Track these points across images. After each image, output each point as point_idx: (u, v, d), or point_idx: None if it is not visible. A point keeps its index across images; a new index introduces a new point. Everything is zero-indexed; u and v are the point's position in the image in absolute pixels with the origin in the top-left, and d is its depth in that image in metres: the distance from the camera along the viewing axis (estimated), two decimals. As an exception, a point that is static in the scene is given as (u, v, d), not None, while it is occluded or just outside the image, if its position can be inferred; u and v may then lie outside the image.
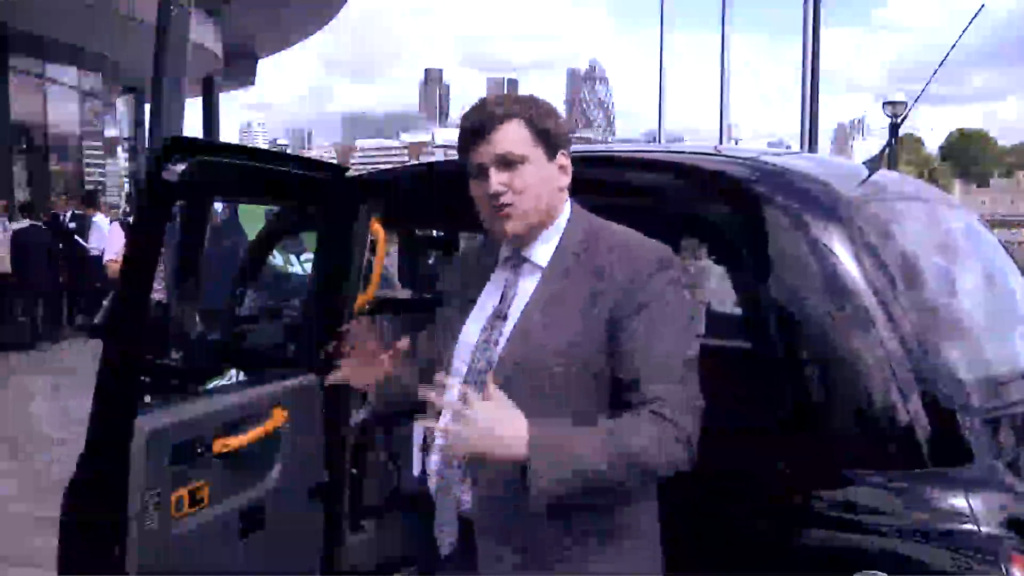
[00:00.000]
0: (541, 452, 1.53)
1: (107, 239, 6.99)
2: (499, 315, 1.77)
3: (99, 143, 21.48)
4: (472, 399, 1.55)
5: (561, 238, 1.79)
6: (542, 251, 1.78)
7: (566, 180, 1.80)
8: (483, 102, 1.76)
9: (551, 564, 1.68)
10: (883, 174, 2.62)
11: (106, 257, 6.22)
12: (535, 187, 1.73)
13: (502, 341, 1.73)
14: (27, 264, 11.30)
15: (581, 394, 1.68)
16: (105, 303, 3.80)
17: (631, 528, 1.75)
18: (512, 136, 1.72)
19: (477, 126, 1.73)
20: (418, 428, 1.88)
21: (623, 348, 1.67)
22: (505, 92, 1.92)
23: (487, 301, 1.81)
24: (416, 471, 1.89)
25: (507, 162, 1.71)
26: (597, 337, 1.68)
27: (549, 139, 1.75)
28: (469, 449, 1.57)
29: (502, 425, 1.54)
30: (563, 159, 1.79)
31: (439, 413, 1.64)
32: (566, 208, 1.82)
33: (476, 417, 1.53)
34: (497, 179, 1.71)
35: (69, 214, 12.79)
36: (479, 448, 1.56)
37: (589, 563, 1.69)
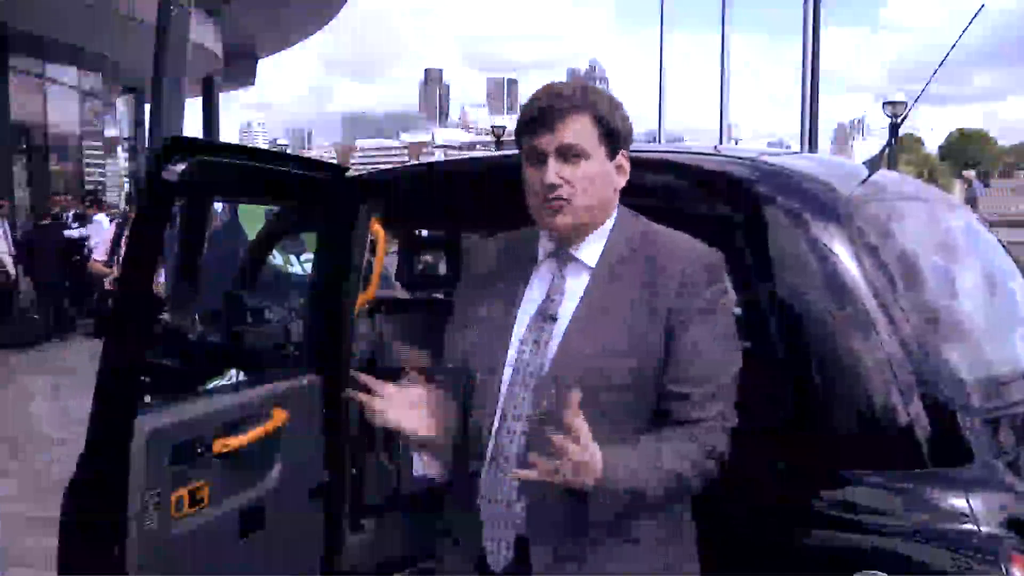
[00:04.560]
0: (610, 483, 1.54)
1: (102, 237, 7.04)
2: (547, 315, 1.70)
3: (99, 143, 21.49)
4: (587, 442, 1.50)
5: (609, 238, 1.74)
6: (590, 250, 1.73)
7: (622, 181, 1.76)
8: (553, 87, 1.71)
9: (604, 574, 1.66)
10: (883, 174, 2.62)
11: (96, 255, 6.18)
12: (592, 184, 1.68)
13: (553, 344, 1.67)
14: (40, 263, 11.42)
15: (631, 398, 1.65)
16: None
17: (678, 536, 1.74)
18: (579, 129, 1.66)
19: (545, 111, 1.66)
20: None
21: (676, 358, 1.64)
22: (576, 81, 1.82)
23: (530, 298, 1.74)
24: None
25: (569, 154, 1.67)
26: (652, 344, 1.64)
27: (613, 138, 1.70)
28: (551, 479, 1.52)
29: (591, 462, 1.52)
30: (622, 160, 1.75)
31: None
32: (614, 208, 1.78)
33: (581, 459, 1.49)
34: (556, 170, 1.66)
35: (71, 214, 12.82)
36: (559, 480, 1.52)
37: (640, 571, 1.67)
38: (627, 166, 1.76)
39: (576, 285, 1.71)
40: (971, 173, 21.73)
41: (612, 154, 1.72)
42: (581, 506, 1.58)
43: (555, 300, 1.71)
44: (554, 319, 1.69)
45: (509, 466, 1.66)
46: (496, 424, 1.68)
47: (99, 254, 6.28)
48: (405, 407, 1.70)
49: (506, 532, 1.68)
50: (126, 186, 23.69)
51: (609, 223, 1.75)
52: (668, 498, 1.64)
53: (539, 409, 1.64)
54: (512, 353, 1.69)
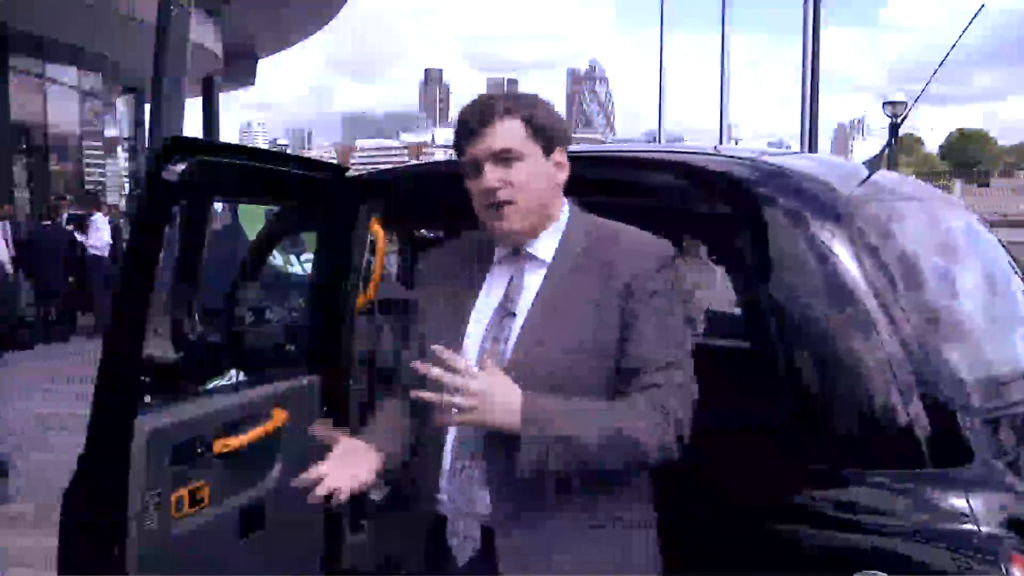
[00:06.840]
0: (532, 423, 1.58)
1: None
2: (506, 312, 1.76)
3: (99, 143, 21.47)
4: (469, 370, 1.58)
5: (563, 234, 1.79)
6: (544, 246, 1.78)
7: (563, 177, 1.81)
8: (480, 98, 1.78)
9: (572, 563, 1.69)
10: (883, 174, 2.62)
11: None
12: (531, 184, 1.74)
13: (512, 340, 1.73)
14: (41, 264, 11.42)
15: (592, 390, 1.69)
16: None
17: (642, 523, 1.78)
18: (509, 132, 1.72)
19: (474, 121, 1.74)
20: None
21: (632, 344, 1.70)
22: (505, 91, 1.92)
23: (489, 297, 1.79)
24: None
25: (503, 158, 1.72)
26: (610, 334, 1.70)
27: (546, 136, 1.76)
28: (465, 418, 1.59)
29: (497, 393, 1.58)
30: (559, 156, 1.80)
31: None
32: (565, 206, 1.84)
33: (472, 387, 1.57)
34: (492, 175, 1.72)
35: (66, 216, 12.81)
36: (475, 417, 1.59)
37: (606, 557, 1.71)
38: (566, 163, 1.82)
39: (533, 281, 1.77)
40: None
41: (548, 152, 1.77)
42: (543, 490, 1.64)
43: (513, 299, 1.77)
44: (513, 315, 1.75)
45: (475, 462, 1.71)
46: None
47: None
48: (350, 468, 1.79)
49: (471, 525, 1.73)
50: (126, 186, 23.68)
51: (562, 219, 1.82)
52: (616, 453, 1.64)
53: None
54: (474, 352, 1.74)
